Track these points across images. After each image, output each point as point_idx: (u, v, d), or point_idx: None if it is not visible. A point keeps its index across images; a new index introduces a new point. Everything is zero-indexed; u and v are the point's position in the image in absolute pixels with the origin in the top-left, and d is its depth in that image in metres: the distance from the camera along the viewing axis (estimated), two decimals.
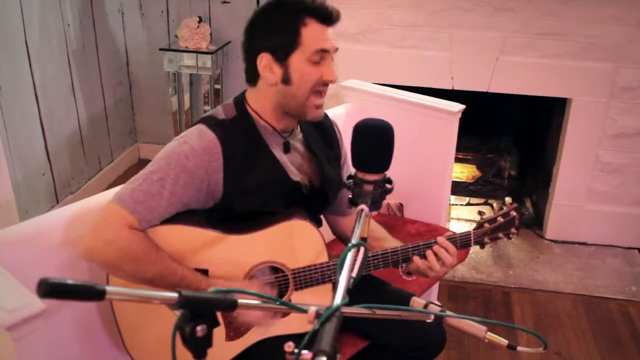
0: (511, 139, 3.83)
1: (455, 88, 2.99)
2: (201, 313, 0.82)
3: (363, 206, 1.04)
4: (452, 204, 3.46)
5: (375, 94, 2.41)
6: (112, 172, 3.64)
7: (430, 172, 2.36)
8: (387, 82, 2.62)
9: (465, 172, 3.65)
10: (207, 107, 3.59)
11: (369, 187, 1.08)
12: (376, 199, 1.08)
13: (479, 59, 2.93)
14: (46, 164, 3.01)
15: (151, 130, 3.88)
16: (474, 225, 1.51)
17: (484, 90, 2.98)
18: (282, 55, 1.37)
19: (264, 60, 1.38)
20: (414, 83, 2.93)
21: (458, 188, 3.49)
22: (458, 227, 3.27)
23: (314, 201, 1.53)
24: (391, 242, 1.58)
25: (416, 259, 1.46)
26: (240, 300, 0.86)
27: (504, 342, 1.05)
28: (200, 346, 0.81)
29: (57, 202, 3.11)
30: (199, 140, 1.36)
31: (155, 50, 3.51)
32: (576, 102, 2.94)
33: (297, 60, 1.37)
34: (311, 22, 1.35)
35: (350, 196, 1.11)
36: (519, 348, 1.05)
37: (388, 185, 1.11)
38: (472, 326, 1.05)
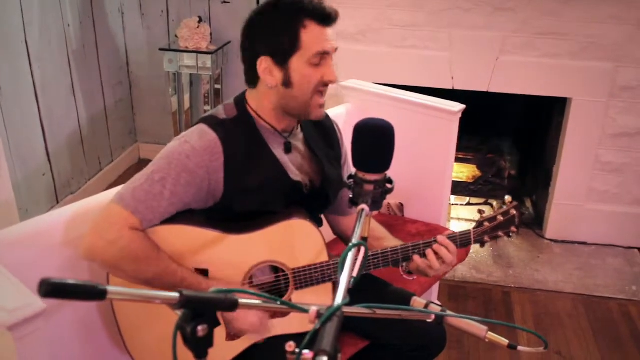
0: (511, 139, 3.83)
1: (455, 88, 2.99)
2: (202, 313, 0.82)
3: (364, 206, 1.04)
4: (452, 204, 3.46)
5: (376, 93, 2.41)
6: (112, 172, 3.64)
7: (430, 172, 2.36)
8: (387, 82, 2.62)
9: (465, 172, 3.65)
10: (207, 107, 3.59)
11: (369, 187, 1.08)
12: (377, 198, 1.09)
13: (479, 58, 2.93)
14: (46, 164, 3.01)
15: (151, 130, 3.88)
16: (474, 224, 1.52)
17: (484, 90, 2.98)
18: (282, 59, 1.37)
19: (264, 64, 1.38)
20: (414, 83, 2.93)
21: (458, 188, 3.49)
22: (458, 227, 3.27)
23: (315, 201, 1.53)
24: (392, 242, 1.58)
25: (416, 257, 1.46)
26: (242, 300, 0.86)
27: (505, 341, 1.05)
28: (201, 346, 0.81)
29: (57, 202, 3.11)
30: (200, 140, 1.36)
31: (155, 50, 3.51)
32: (576, 102, 2.94)
33: (298, 63, 1.36)
34: (310, 24, 1.35)
35: (350, 196, 1.11)
36: (520, 348, 1.05)
37: (388, 185, 1.11)
38: (472, 326, 1.05)
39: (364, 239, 0.99)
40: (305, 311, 0.84)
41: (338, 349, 0.74)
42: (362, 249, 0.94)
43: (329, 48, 1.37)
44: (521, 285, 2.82)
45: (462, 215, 3.39)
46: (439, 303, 1.12)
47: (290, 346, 0.75)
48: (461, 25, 2.89)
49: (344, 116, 2.28)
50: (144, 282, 1.32)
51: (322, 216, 1.65)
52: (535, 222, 3.32)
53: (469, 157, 3.70)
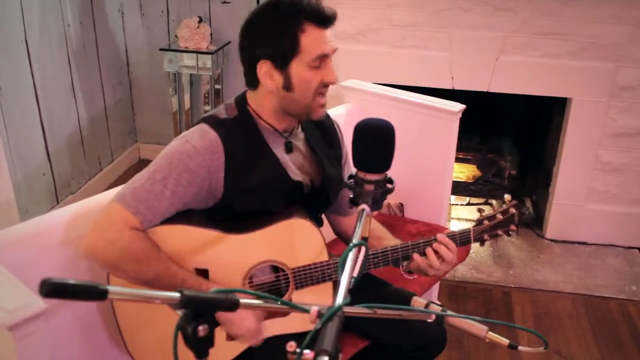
0: (511, 139, 3.83)
1: (455, 88, 2.99)
2: (203, 313, 0.82)
3: (364, 206, 1.04)
4: (453, 204, 3.46)
5: (376, 93, 2.41)
6: (113, 172, 3.64)
7: (430, 172, 2.36)
8: (387, 82, 2.62)
9: (465, 172, 3.66)
10: (207, 107, 3.59)
11: (370, 187, 1.08)
12: (377, 198, 1.09)
13: (479, 58, 2.93)
14: (46, 164, 3.01)
15: (151, 130, 3.88)
16: (473, 223, 1.52)
17: (484, 90, 2.98)
18: (282, 63, 1.36)
19: (264, 68, 1.38)
20: (414, 83, 2.93)
21: (458, 188, 3.49)
22: (458, 227, 3.27)
23: (315, 201, 1.53)
24: (392, 241, 1.58)
25: (416, 256, 1.46)
26: (242, 300, 0.86)
27: (505, 341, 1.05)
28: (202, 346, 0.81)
29: (58, 203, 3.11)
30: (201, 139, 1.36)
31: (156, 50, 3.51)
32: (576, 102, 2.94)
33: (298, 67, 1.36)
34: (309, 28, 1.34)
35: (351, 196, 1.11)
36: (520, 347, 1.05)
37: (389, 185, 1.11)
38: (473, 326, 1.05)
39: (365, 239, 0.99)
40: (306, 311, 0.84)
41: (339, 348, 0.74)
42: (363, 249, 0.94)
43: (328, 50, 1.37)
44: (521, 285, 2.82)
45: (462, 215, 3.39)
46: (439, 303, 1.12)
47: (291, 346, 0.75)
48: (461, 25, 2.89)
49: (344, 116, 2.28)
50: (144, 282, 1.32)
51: (323, 216, 1.65)
52: (535, 222, 3.32)
53: (469, 157, 3.70)
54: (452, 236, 1.47)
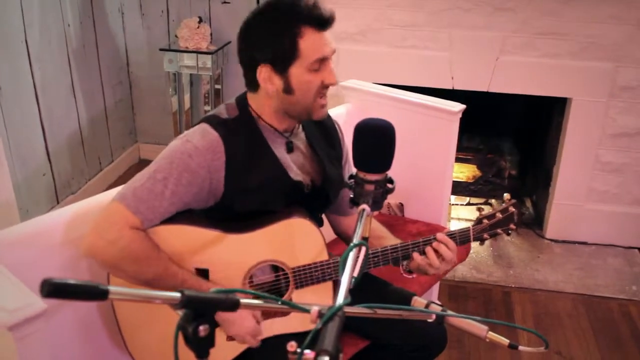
0: (511, 139, 3.83)
1: (455, 88, 2.99)
2: (203, 313, 0.82)
3: (364, 206, 1.05)
4: (453, 204, 3.46)
5: (376, 94, 2.41)
6: (113, 172, 3.64)
7: (430, 172, 2.36)
8: (387, 82, 2.62)
9: (465, 172, 3.66)
10: (207, 107, 3.59)
11: (370, 187, 1.08)
12: (377, 198, 1.09)
13: (479, 58, 2.93)
14: (46, 164, 3.01)
15: (151, 130, 3.88)
16: (473, 222, 1.52)
17: (484, 90, 2.98)
18: (281, 67, 1.36)
19: (264, 72, 1.38)
20: (414, 83, 2.93)
21: (458, 188, 3.49)
22: (458, 227, 3.24)
23: (315, 201, 1.53)
24: (392, 241, 1.58)
25: (416, 255, 1.46)
26: (243, 300, 0.86)
27: (506, 341, 1.05)
28: (202, 346, 0.82)
29: (58, 203, 3.11)
30: (202, 139, 1.36)
31: (156, 50, 3.51)
32: (576, 102, 2.94)
33: (297, 71, 1.36)
34: (307, 31, 1.33)
35: (351, 196, 1.11)
36: (520, 347, 1.05)
37: (389, 185, 1.11)
38: (473, 326, 1.05)
39: (365, 239, 0.99)
40: (307, 311, 0.83)
41: (340, 348, 0.74)
42: (363, 249, 0.94)
43: (327, 53, 1.37)
44: (521, 285, 2.82)
45: (462, 215, 3.39)
46: (439, 303, 1.12)
47: (291, 346, 0.75)
48: (461, 25, 2.89)
49: (344, 116, 2.28)
50: (144, 282, 1.32)
51: (323, 216, 1.65)
52: (535, 222, 3.32)
53: (469, 157, 3.70)
54: (452, 235, 1.48)
